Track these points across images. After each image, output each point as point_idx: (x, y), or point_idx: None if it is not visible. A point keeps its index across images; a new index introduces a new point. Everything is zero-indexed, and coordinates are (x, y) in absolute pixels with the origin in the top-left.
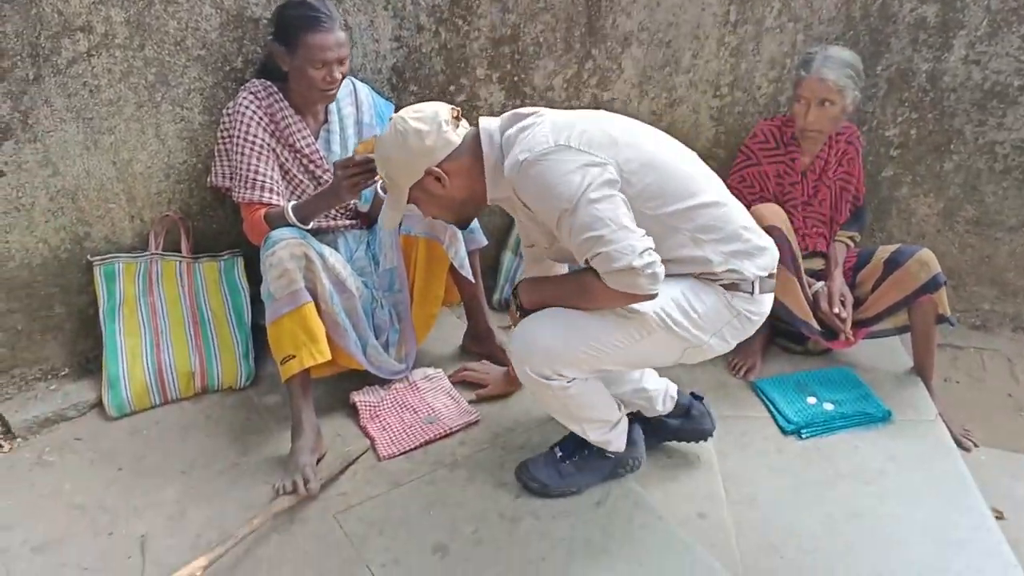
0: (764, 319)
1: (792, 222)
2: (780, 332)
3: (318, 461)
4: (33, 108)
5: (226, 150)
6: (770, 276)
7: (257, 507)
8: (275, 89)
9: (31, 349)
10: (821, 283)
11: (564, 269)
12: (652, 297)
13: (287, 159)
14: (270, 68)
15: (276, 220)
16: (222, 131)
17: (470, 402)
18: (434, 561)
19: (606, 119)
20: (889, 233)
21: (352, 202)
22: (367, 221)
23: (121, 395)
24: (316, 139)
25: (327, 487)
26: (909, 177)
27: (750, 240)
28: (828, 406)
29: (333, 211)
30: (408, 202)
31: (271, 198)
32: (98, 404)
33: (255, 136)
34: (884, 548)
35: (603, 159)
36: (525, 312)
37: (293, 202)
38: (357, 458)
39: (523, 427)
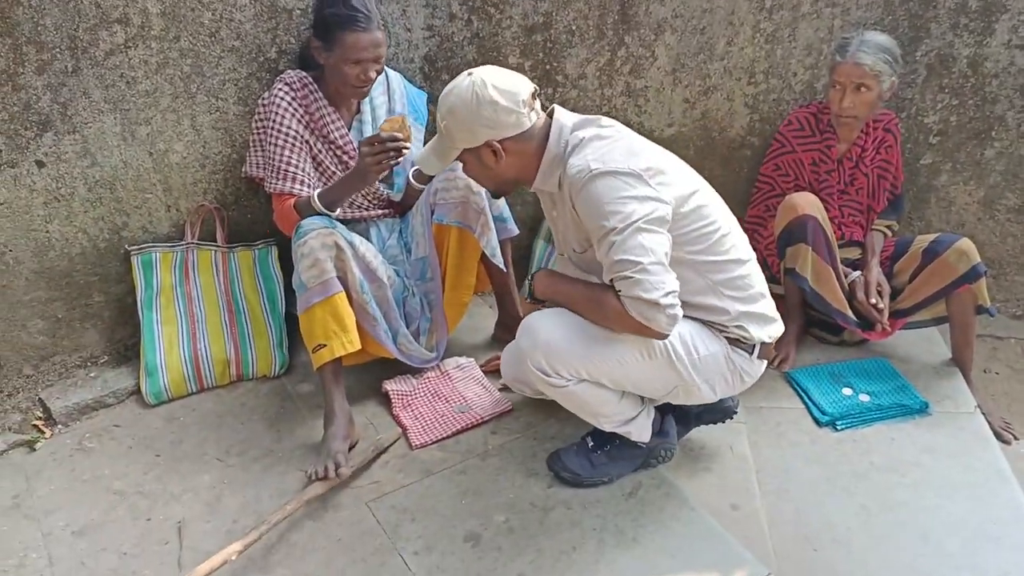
0: (752, 383)
1: (828, 211)
2: (815, 322)
3: (350, 448)
4: (72, 100)
5: (260, 141)
6: (769, 340)
7: (291, 493)
8: (310, 80)
9: (71, 337)
10: (857, 272)
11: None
12: (662, 337)
13: (321, 150)
14: (306, 58)
15: (304, 208)
16: (256, 122)
17: (500, 390)
18: (466, 549)
19: (674, 160)
20: (928, 222)
21: (384, 192)
22: (400, 210)
23: (158, 383)
24: (349, 130)
25: (359, 475)
26: (949, 165)
27: (765, 308)
28: (864, 397)
29: (366, 202)
30: (456, 159)
31: (302, 190)
32: (136, 391)
33: (289, 127)
34: (919, 541)
35: (665, 199)
36: (536, 300)
37: (319, 189)
38: (389, 446)
39: (555, 417)
